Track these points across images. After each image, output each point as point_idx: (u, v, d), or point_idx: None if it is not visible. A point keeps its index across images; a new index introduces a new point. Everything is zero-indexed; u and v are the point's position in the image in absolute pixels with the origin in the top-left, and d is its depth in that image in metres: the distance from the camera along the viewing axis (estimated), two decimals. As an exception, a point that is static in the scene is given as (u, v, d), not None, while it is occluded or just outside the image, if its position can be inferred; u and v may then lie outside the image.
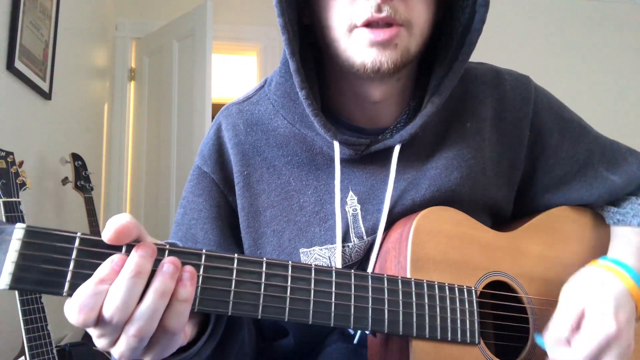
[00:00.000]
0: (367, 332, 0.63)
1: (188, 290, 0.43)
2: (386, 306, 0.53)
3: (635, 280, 0.61)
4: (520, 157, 0.71)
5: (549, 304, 0.64)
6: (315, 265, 0.51)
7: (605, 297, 0.58)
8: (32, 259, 0.40)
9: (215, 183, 0.70)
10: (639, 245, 0.67)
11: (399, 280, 0.55)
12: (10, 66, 1.67)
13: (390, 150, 0.66)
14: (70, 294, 0.41)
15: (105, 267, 0.41)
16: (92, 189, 2.06)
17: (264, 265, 0.49)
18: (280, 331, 0.73)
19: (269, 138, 0.69)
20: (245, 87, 4.10)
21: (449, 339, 0.56)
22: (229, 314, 0.46)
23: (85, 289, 0.40)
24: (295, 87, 0.63)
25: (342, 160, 0.67)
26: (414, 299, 0.55)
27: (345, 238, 0.65)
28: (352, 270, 0.53)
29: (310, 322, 0.49)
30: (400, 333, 0.54)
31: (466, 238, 0.63)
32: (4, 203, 1.38)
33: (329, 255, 0.65)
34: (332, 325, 0.50)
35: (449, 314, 0.57)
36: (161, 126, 2.90)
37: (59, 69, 2.10)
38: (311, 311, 0.50)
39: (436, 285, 0.57)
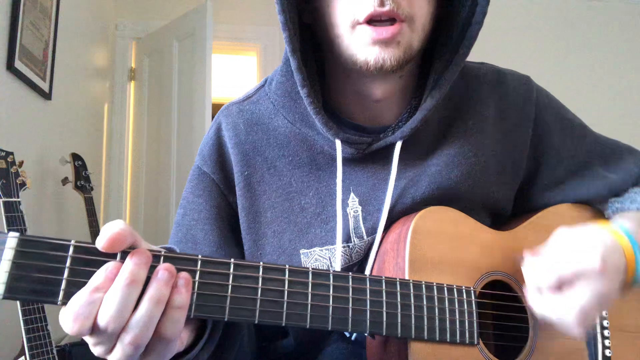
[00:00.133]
0: (365, 334, 0.63)
1: (183, 297, 0.43)
2: (384, 309, 0.53)
3: (630, 239, 0.58)
4: (522, 157, 0.72)
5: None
6: (312, 268, 0.51)
7: (597, 243, 0.55)
8: (26, 268, 0.40)
9: (216, 183, 0.70)
10: (639, 218, 0.65)
11: (397, 283, 0.55)
12: (10, 66, 1.67)
13: (391, 148, 0.66)
14: (64, 303, 0.40)
15: (99, 276, 0.41)
16: (92, 189, 2.06)
17: (261, 269, 0.48)
18: (280, 331, 0.73)
19: (270, 138, 0.69)
20: (245, 87, 4.07)
21: (448, 339, 0.56)
22: (226, 319, 0.46)
23: (80, 298, 0.40)
24: (296, 86, 0.63)
25: (344, 160, 0.66)
26: (412, 301, 0.55)
27: (347, 238, 0.65)
28: (350, 273, 0.53)
29: (307, 327, 0.49)
30: (399, 335, 0.53)
31: (464, 238, 0.62)
32: (4, 203, 1.38)
33: (329, 256, 0.65)
34: (329, 329, 0.50)
35: (447, 315, 0.57)
36: (161, 126, 2.90)
37: (59, 69, 2.10)
38: (309, 315, 0.49)
39: (435, 287, 0.57)
